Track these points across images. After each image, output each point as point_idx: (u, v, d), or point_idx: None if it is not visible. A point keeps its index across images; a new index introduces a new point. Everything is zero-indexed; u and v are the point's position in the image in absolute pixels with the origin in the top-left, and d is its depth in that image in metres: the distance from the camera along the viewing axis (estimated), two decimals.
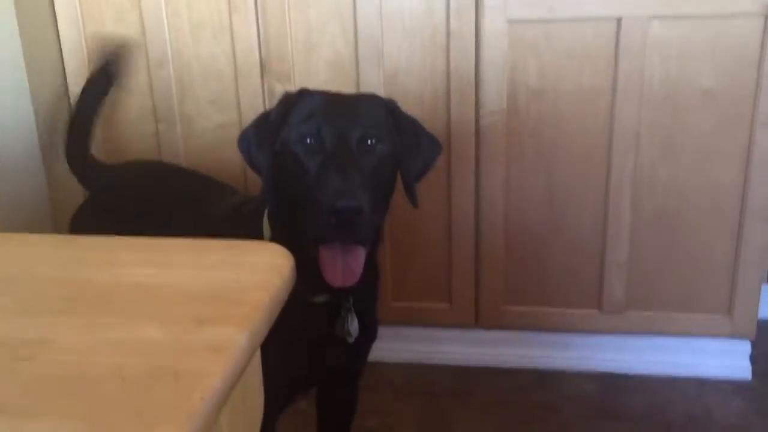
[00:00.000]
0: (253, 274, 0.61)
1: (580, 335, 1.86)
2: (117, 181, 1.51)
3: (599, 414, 1.73)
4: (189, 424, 0.43)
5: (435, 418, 1.75)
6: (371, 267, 1.14)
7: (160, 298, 0.58)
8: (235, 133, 1.80)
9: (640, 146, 1.67)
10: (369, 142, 1.07)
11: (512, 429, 1.70)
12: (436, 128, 1.73)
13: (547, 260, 1.79)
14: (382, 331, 1.93)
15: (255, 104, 1.77)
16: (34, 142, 1.78)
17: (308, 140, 1.06)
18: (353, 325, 1.15)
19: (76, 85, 1.82)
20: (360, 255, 1.03)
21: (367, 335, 1.22)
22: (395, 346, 1.95)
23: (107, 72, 1.59)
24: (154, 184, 1.48)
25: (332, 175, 1.00)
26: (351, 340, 1.16)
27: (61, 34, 1.79)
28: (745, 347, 1.82)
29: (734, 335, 1.79)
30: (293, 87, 1.74)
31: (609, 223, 1.74)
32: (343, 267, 1.02)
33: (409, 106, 1.70)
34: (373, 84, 1.72)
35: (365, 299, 1.19)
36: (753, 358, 1.84)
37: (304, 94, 1.14)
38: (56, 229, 1.89)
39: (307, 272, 0.88)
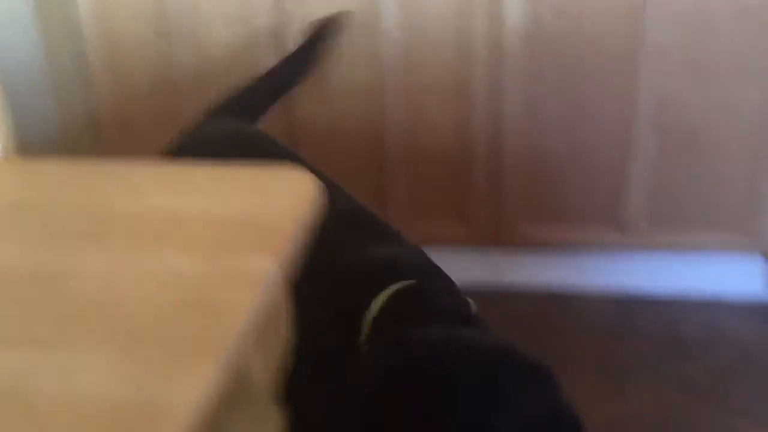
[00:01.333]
0: (281, 201, 0.59)
1: (598, 255, 1.85)
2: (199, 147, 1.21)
3: (614, 333, 1.75)
4: (224, 357, 0.43)
5: None
6: None
7: (186, 227, 0.56)
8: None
9: (667, 64, 1.62)
10: None
11: (528, 348, 1.71)
12: (456, 46, 1.68)
13: (568, 179, 1.77)
14: None
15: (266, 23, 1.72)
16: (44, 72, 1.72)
17: None
18: None
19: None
20: None
21: None
22: None
23: (316, 48, 1.44)
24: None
25: None
26: None
27: None
28: (761, 264, 1.82)
29: (754, 253, 1.78)
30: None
31: (632, 141, 1.70)
32: None
33: (428, 22, 1.67)
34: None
35: None
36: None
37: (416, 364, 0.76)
38: None
39: None
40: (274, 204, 0.59)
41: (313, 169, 0.89)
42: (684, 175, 1.72)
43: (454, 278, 1.96)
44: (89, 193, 0.63)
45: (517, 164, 1.77)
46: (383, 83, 1.73)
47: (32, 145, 1.63)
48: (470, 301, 0.83)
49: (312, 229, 0.58)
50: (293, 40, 1.55)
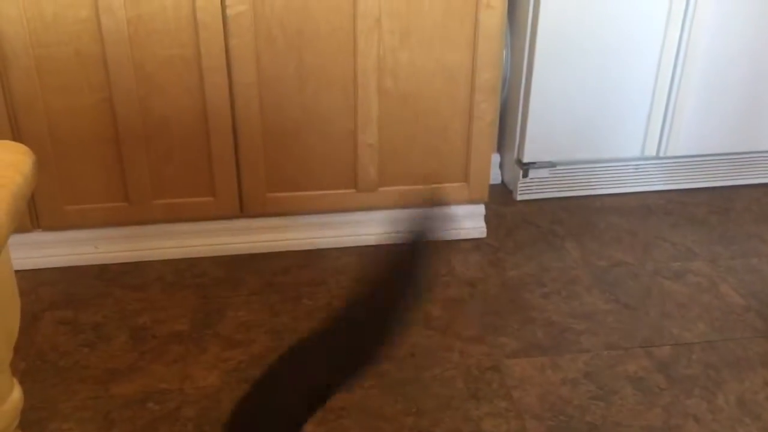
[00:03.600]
0: None
1: (340, 214, 1.99)
2: None
3: (361, 283, 1.89)
4: None
5: (207, 307, 1.80)
6: None
7: None
8: None
9: (381, 32, 1.77)
10: None
11: (282, 306, 1.81)
12: (180, 16, 1.68)
13: (304, 146, 1.87)
14: (148, 230, 1.94)
15: None
16: None
17: None
18: None
19: None
20: None
21: None
22: (163, 243, 1.95)
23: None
24: None
25: None
26: None
27: None
28: (480, 210, 2.07)
29: (471, 201, 2.02)
30: None
31: (359, 106, 1.84)
32: None
33: None
34: None
35: None
36: (486, 218, 2.10)
37: None
38: None
39: None
40: None
41: None
42: (405, 134, 1.90)
43: (203, 243, 2.00)
44: None
45: (253, 135, 1.83)
46: (105, 55, 1.69)
47: None
48: None
49: (22, 196, 0.59)
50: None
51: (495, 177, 2.34)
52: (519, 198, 2.28)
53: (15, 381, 0.71)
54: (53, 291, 1.84)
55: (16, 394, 0.70)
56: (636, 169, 2.31)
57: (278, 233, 1.99)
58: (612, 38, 2.09)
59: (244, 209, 1.91)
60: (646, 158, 2.28)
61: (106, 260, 1.94)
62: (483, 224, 2.10)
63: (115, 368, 1.61)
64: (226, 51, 1.73)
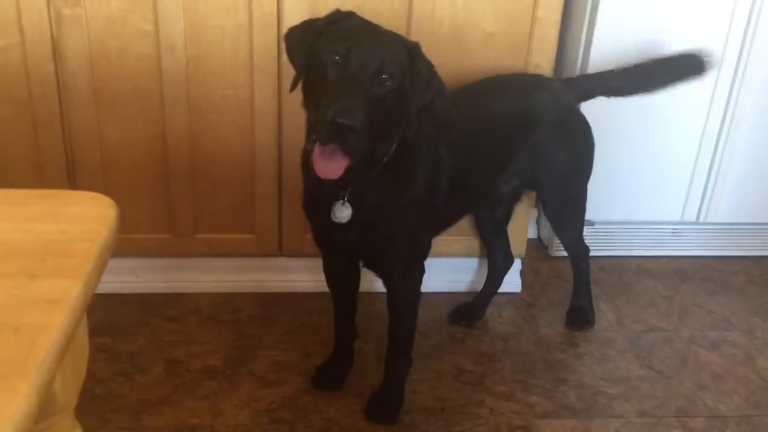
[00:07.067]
0: (78, 224, 0.62)
1: None
2: None
3: None
4: (37, 375, 0.46)
5: (241, 344, 1.82)
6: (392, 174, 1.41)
7: None
8: (19, 56, 1.68)
9: None
10: (384, 76, 1.27)
11: (315, 348, 1.81)
12: (237, 59, 1.73)
13: None
14: (188, 262, 1.97)
15: (40, 27, 1.65)
16: None
17: (337, 57, 1.25)
18: (342, 213, 1.41)
19: None
20: (341, 162, 1.26)
21: (369, 229, 1.45)
22: (201, 276, 1.98)
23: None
24: None
25: (343, 92, 1.22)
26: (340, 222, 1.42)
27: None
28: (516, 264, 2.07)
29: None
30: (82, 10, 1.64)
31: None
32: (327, 165, 1.27)
33: (210, 37, 1.71)
34: (172, 11, 1.67)
35: (375, 202, 1.43)
36: (522, 273, 2.10)
37: (350, 16, 1.35)
38: None
39: None
40: (73, 228, 0.61)
41: None
42: None
43: (240, 279, 1.99)
44: None
45: (297, 176, 1.84)
46: (162, 91, 1.73)
47: None
48: None
49: (107, 249, 0.61)
50: None
51: (531, 231, 2.34)
52: (554, 254, 2.28)
53: (77, 423, 0.72)
54: (93, 317, 1.85)
55: None
56: (674, 232, 2.30)
57: (315, 274, 2.00)
58: (657, 98, 2.09)
59: (283, 248, 1.94)
60: (686, 222, 2.27)
61: (146, 290, 1.97)
62: (518, 279, 2.10)
63: (148, 399, 1.62)
64: (279, 95, 1.77)
